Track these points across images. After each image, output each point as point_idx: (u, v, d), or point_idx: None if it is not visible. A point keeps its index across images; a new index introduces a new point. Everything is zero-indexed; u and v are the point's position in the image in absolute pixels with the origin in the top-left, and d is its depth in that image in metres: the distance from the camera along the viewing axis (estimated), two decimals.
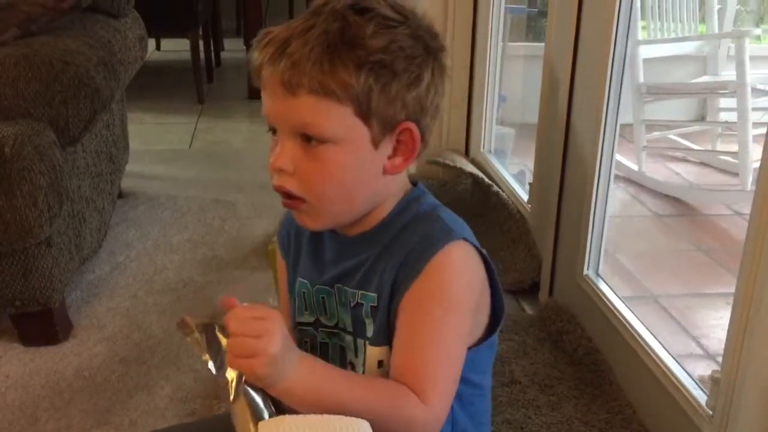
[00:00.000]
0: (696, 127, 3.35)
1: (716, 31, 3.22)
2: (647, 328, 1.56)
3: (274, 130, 0.80)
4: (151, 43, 4.34)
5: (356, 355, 0.80)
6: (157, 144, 3.14)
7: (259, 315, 0.68)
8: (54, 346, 1.73)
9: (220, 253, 2.19)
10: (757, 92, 2.69)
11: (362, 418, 0.65)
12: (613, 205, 2.73)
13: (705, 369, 1.38)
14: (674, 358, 1.46)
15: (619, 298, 1.67)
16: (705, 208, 2.79)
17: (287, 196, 0.78)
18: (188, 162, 2.97)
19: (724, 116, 3.20)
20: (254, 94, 3.80)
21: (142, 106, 3.41)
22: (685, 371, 1.41)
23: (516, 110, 2.99)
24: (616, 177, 2.97)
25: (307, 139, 0.75)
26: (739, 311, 1.12)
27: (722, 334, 1.22)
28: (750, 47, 2.69)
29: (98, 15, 2.05)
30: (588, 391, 1.56)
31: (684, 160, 3.19)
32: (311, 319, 0.82)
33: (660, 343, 1.51)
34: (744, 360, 1.09)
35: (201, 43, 3.82)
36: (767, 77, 2.85)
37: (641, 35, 3.03)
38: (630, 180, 2.96)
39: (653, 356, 1.46)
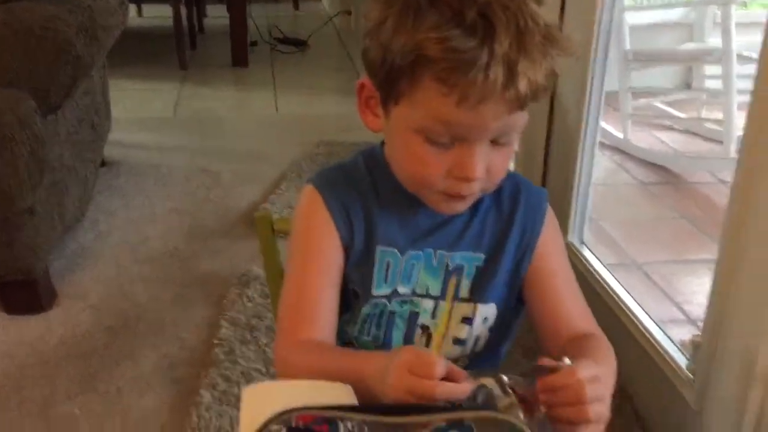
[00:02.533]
0: (681, 95, 3.34)
1: None
2: (630, 295, 1.57)
3: (441, 142, 0.71)
4: (133, 9, 4.27)
5: (433, 317, 0.80)
6: (140, 111, 3.11)
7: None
8: (38, 315, 1.72)
9: (205, 222, 2.18)
10: (743, 59, 2.68)
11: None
12: (598, 173, 2.75)
13: (687, 334, 1.39)
14: (656, 324, 1.47)
15: (603, 265, 1.68)
16: (689, 176, 2.80)
17: (465, 196, 0.75)
18: (172, 130, 2.95)
19: (709, 84, 3.20)
20: (239, 62, 3.80)
21: (124, 73, 3.37)
22: (667, 336, 1.42)
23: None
24: (602, 145, 2.98)
25: (497, 140, 0.72)
26: (720, 277, 1.13)
27: (704, 300, 1.23)
28: (736, 14, 2.68)
29: None
30: None
31: (669, 128, 3.19)
32: (387, 291, 0.79)
33: (642, 309, 1.52)
34: (725, 325, 1.11)
35: (183, 9, 3.76)
36: (752, 44, 2.85)
37: (627, 1, 3.01)
38: (615, 148, 2.96)
39: (636, 322, 1.48)
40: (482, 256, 0.81)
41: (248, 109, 3.30)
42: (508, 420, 0.57)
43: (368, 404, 0.63)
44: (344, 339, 0.83)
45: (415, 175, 0.75)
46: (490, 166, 0.72)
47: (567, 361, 0.64)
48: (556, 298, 0.82)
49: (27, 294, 1.72)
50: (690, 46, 3.23)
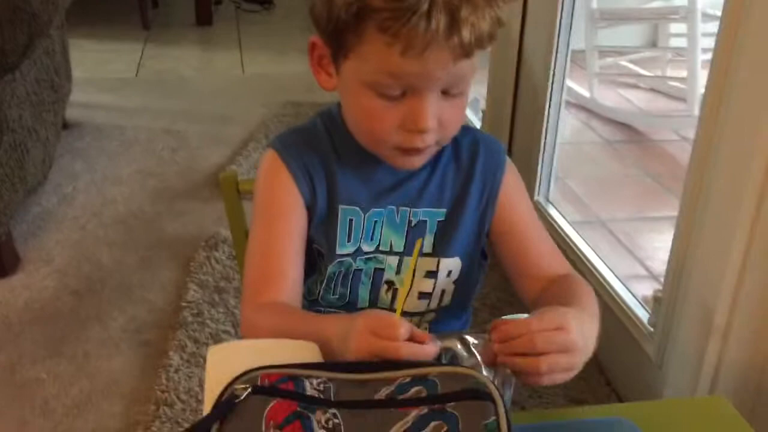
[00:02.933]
0: (647, 53, 3.36)
1: None
2: (594, 251, 1.60)
3: (390, 94, 0.71)
4: None
5: (398, 273, 0.81)
6: (101, 72, 3.04)
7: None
8: (2, 279, 1.70)
9: (171, 184, 2.16)
10: (707, 17, 2.70)
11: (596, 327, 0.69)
12: (564, 132, 2.76)
13: (649, 290, 1.42)
14: (619, 280, 1.50)
15: (568, 222, 1.71)
16: (654, 134, 2.83)
17: (421, 149, 0.75)
18: (135, 91, 2.89)
19: (674, 42, 3.22)
20: (203, 20, 3.73)
21: (85, 32, 3.29)
22: (630, 292, 1.45)
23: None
24: (568, 104, 2.99)
25: (447, 90, 0.72)
26: (680, 233, 1.15)
27: (666, 256, 1.25)
28: None
29: None
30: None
31: (635, 86, 3.21)
32: (351, 249, 0.80)
33: (606, 264, 1.55)
34: (684, 280, 1.13)
35: None
36: (717, 2, 2.86)
37: None
38: (581, 107, 2.97)
39: (599, 277, 1.51)
40: (444, 210, 0.82)
41: (213, 70, 3.24)
42: (471, 374, 0.58)
43: (334, 362, 0.63)
44: (310, 298, 0.83)
45: (368, 130, 0.75)
46: (442, 117, 0.72)
47: (525, 316, 0.65)
48: (526, 244, 0.83)
49: None
50: (655, 4, 3.24)
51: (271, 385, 0.57)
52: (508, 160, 0.84)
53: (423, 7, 0.64)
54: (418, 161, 0.77)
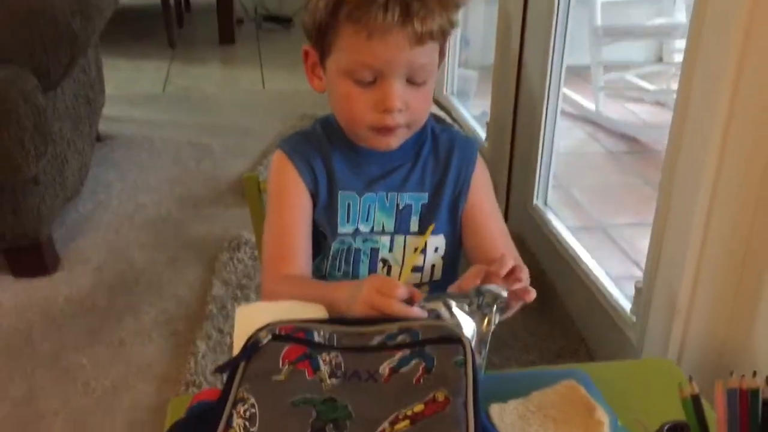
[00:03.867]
0: (652, 68, 3.48)
1: None
2: (587, 252, 1.73)
3: (364, 80, 0.87)
4: None
5: (390, 251, 0.96)
6: (131, 88, 3.23)
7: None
8: (44, 278, 1.86)
9: (196, 191, 2.31)
10: None
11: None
12: (570, 143, 2.89)
13: None
14: (609, 277, 1.63)
15: (564, 225, 1.84)
16: (656, 145, 2.94)
17: (392, 128, 0.89)
18: (162, 105, 3.07)
19: (679, 57, 3.33)
20: (225, 39, 3.91)
21: (115, 51, 3.47)
22: (617, 288, 1.58)
23: (479, 54, 3.10)
24: (574, 116, 3.13)
25: (412, 79, 0.87)
26: (655, 230, 1.28)
27: None
28: None
29: None
30: (534, 307, 1.71)
31: (640, 99, 3.33)
32: (351, 229, 0.94)
33: (598, 264, 1.68)
34: (657, 270, 1.26)
35: None
36: None
37: None
38: (587, 119, 3.10)
39: (591, 276, 1.63)
40: (426, 194, 0.96)
41: (235, 86, 3.42)
42: (446, 325, 0.72)
43: (335, 318, 0.78)
44: (318, 276, 0.97)
45: (348, 113, 0.90)
46: (409, 102, 0.88)
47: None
48: (484, 228, 0.98)
49: (33, 258, 1.86)
50: (658, 21, 3.36)
51: (287, 334, 0.72)
52: (479, 158, 1.00)
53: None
54: (393, 141, 0.91)
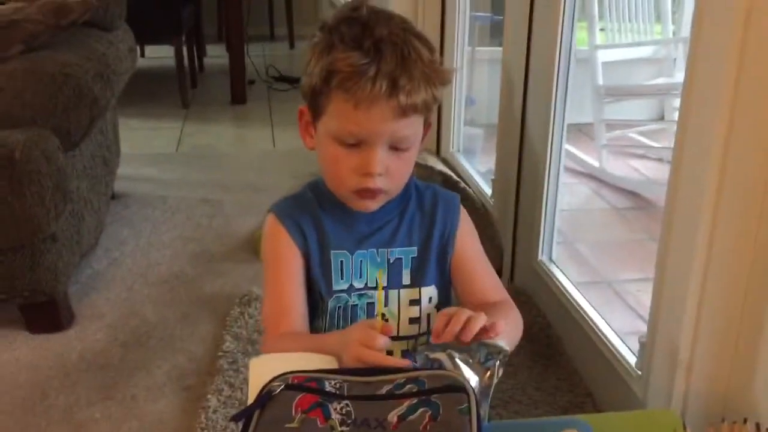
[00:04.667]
0: (654, 126, 3.55)
1: (670, 33, 3.43)
2: (593, 306, 1.75)
3: (349, 143, 0.93)
4: None
5: (386, 305, 1.01)
6: (145, 148, 3.31)
7: None
8: (59, 333, 1.90)
9: (209, 248, 2.36)
10: None
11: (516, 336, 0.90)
12: (575, 200, 2.93)
13: None
14: (614, 332, 1.65)
15: (570, 280, 1.87)
16: (661, 201, 2.96)
17: (372, 191, 0.95)
18: (175, 164, 3.14)
19: None
20: (237, 99, 4.01)
21: (130, 111, 3.56)
22: (623, 342, 1.60)
23: (484, 112, 3.18)
24: (578, 173, 3.18)
25: (395, 146, 0.94)
26: (656, 284, 1.31)
27: None
28: None
29: (93, 29, 2.22)
30: (541, 362, 1.75)
31: (643, 156, 3.39)
32: (345, 286, 1.00)
33: (603, 318, 1.70)
34: (658, 323, 1.29)
35: (184, 49, 3.98)
36: None
37: (599, 39, 3.23)
38: (591, 176, 3.15)
39: (597, 330, 1.65)
40: (415, 248, 1.02)
41: (247, 144, 3.50)
42: (451, 375, 0.76)
43: (346, 368, 0.81)
44: None
45: (333, 173, 0.97)
46: (390, 168, 0.94)
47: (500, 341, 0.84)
48: (474, 276, 1.04)
49: (48, 314, 1.90)
50: (660, 80, 3.45)
51: (299, 383, 0.76)
52: (462, 209, 1.07)
53: (371, 72, 0.88)
54: (372, 205, 0.97)
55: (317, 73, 0.92)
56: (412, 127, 0.93)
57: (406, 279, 1.01)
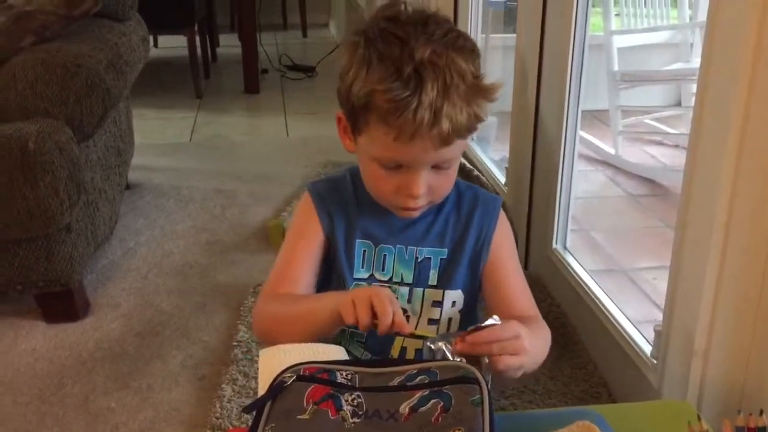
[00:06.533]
0: (670, 112, 3.52)
1: (687, 18, 3.39)
2: (607, 295, 1.74)
3: (390, 167, 0.91)
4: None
5: (409, 302, 0.99)
6: (159, 138, 3.32)
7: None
8: (74, 323, 1.91)
9: (222, 238, 2.37)
10: None
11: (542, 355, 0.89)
12: (591, 187, 2.91)
13: None
14: (630, 321, 1.64)
15: (584, 269, 1.85)
16: (677, 188, 2.94)
17: (414, 209, 0.95)
18: (189, 154, 3.15)
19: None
20: (250, 89, 4.01)
21: (143, 102, 3.58)
22: (638, 330, 1.59)
23: (498, 100, 3.15)
24: (594, 160, 3.16)
25: (438, 166, 0.92)
26: (672, 273, 1.30)
27: None
28: None
29: (105, 20, 2.22)
30: (555, 351, 1.74)
31: (659, 143, 3.37)
32: (366, 275, 0.99)
33: (618, 307, 1.69)
34: (674, 312, 1.28)
35: (197, 39, 3.98)
36: None
37: (615, 25, 3.20)
38: (607, 163, 3.13)
39: (612, 319, 1.64)
40: (446, 250, 1.00)
41: (260, 134, 3.50)
42: (463, 366, 0.75)
43: (358, 360, 0.81)
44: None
45: (374, 191, 0.96)
46: (432, 185, 0.92)
47: (496, 318, 0.83)
48: (505, 285, 1.01)
49: (64, 304, 1.91)
50: (676, 66, 3.41)
51: (311, 374, 0.75)
52: (502, 215, 1.03)
53: (412, 105, 0.84)
54: (414, 214, 0.97)
55: (356, 93, 0.88)
56: (454, 151, 0.91)
57: (432, 279, 1.00)
